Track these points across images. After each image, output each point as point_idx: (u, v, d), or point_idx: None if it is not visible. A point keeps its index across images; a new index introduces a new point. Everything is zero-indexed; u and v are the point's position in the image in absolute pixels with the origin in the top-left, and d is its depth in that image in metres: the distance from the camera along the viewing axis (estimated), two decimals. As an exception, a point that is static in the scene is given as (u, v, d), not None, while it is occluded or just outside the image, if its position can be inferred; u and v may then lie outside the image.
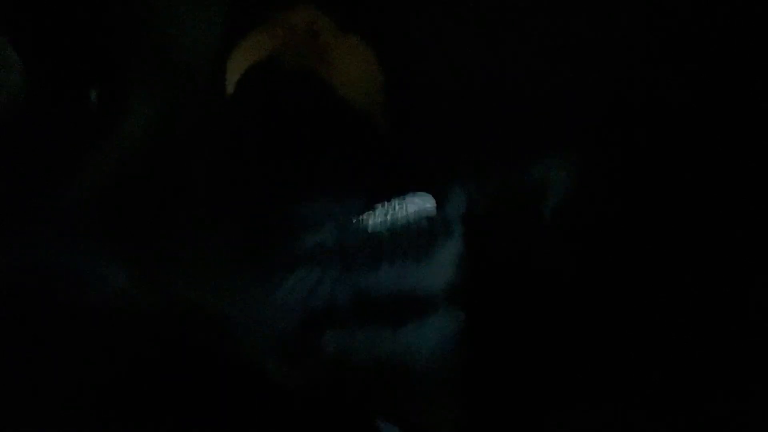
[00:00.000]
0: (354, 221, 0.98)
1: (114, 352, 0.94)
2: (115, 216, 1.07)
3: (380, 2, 1.08)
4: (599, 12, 1.08)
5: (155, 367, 0.93)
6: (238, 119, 1.02)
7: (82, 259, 1.01)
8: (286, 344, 0.98)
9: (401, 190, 0.98)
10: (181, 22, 1.15)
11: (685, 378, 0.95)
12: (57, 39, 1.13)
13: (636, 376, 0.95)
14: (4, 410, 0.90)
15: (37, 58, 1.12)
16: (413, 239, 0.97)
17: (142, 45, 1.16)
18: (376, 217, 0.97)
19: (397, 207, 0.97)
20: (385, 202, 0.97)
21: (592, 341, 0.96)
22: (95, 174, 1.09)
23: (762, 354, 0.94)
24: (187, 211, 1.05)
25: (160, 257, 1.02)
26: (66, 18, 1.14)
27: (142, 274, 1.00)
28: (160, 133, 1.12)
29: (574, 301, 0.96)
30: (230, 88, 1.03)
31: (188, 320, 0.97)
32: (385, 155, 1.02)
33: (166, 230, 1.04)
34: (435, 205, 0.97)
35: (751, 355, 0.94)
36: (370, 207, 0.98)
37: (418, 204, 0.98)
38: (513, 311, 0.96)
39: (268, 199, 1.01)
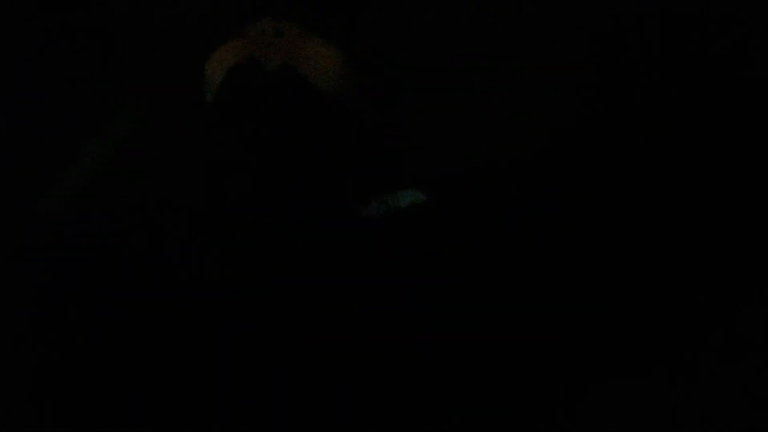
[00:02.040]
0: (347, 213, 1.01)
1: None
2: (106, 212, 1.09)
3: (339, 9, 1.12)
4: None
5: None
6: (224, 120, 1.05)
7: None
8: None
9: (392, 186, 1.02)
10: (174, 18, 1.18)
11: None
12: (50, 36, 1.15)
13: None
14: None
15: (32, 54, 1.14)
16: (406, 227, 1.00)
17: (135, 40, 1.18)
18: (370, 209, 1.00)
19: (389, 201, 1.01)
20: (378, 197, 1.01)
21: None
22: (88, 169, 1.10)
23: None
24: (180, 207, 1.08)
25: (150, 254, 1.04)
26: (59, 15, 1.16)
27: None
28: (154, 128, 1.14)
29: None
30: (211, 95, 1.06)
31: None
32: (372, 149, 1.05)
33: (160, 227, 1.06)
34: (425, 199, 1.01)
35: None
36: (363, 200, 1.01)
37: (409, 199, 1.01)
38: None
39: (261, 195, 1.03)
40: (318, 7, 1.09)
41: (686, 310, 1.00)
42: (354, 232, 1.00)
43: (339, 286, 0.98)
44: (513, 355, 0.97)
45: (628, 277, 1.00)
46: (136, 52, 1.18)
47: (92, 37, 1.18)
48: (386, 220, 1.00)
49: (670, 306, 1.00)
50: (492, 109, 1.09)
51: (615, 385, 0.97)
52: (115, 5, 1.19)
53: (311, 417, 0.95)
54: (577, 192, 1.04)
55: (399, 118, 1.09)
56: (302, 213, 1.01)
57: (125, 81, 1.17)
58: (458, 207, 1.02)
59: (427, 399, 0.96)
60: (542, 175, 1.04)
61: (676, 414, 0.96)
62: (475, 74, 1.10)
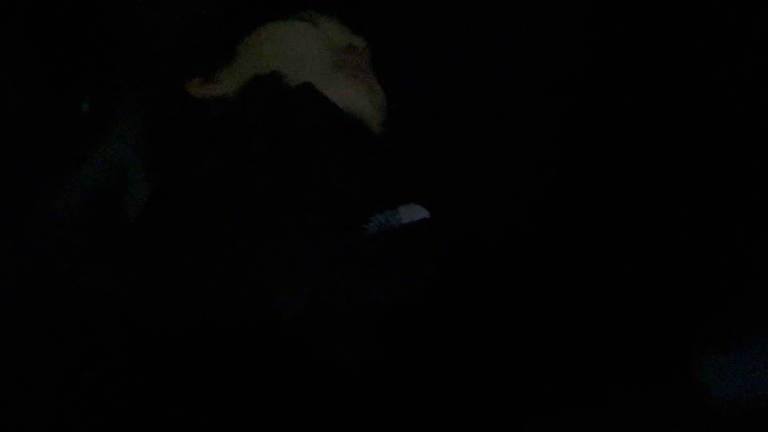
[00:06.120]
0: (350, 231, 1.00)
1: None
2: (105, 222, 1.07)
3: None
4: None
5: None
6: (238, 128, 1.03)
7: (73, 265, 1.02)
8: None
9: (395, 202, 1.00)
10: (171, 29, 1.15)
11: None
12: (48, 46, 1.13)
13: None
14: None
15: (29, 65, 1.12)
16: (407, 248, 0.99)
17: (132, 52, 1.16)
18: (372, 227, 0.99)
19: (391, 218, 0.99)
20: (380, 213, 0.99)
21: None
22: (86, 180, 1.09)
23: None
24: (181, 216, 1.06)
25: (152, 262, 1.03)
26: (57, 25, 1.13)
27: (131, 279, 1.01)
28: (151, 140, 1.12)
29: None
30: (233, 86, 1.03)
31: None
32: (379, 166, 1.03)
33: (158, 236, 1.05)
34: (428, 216, 1.00)
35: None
36: (365, 217, 1.00)
37: (412, 215, 1.00)
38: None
39: (264, 208, 1.02)
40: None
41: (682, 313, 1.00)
42: (357, 250, 0.99)
43: (342, 302, 0.97)
44: (515, 379, 0.97)
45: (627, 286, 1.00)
46: (144, 50, 1.16)
47: (102, 36, 1.16)
48: (389, 238, 0.99)
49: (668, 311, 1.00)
50: (501, 123, 1.07)
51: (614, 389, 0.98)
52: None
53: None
54: (589, 203, 1.03)
55: (404, 129, 1.07)
56: (309, 229, 1.00)
57: (134, 82, 1.14)
58: (463, 224, 1.01)
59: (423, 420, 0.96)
60: (553, 190, 1.03)
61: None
62: (485, 86, 1.08)
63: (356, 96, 1.02)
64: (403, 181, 1.01)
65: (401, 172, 1.02)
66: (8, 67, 1.12)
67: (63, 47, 1.13)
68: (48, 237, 1.05)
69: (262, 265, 0.99)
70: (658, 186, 1.04)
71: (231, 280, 0.98)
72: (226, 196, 1.02)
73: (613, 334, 0.98)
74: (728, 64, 1.08)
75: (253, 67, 1.04)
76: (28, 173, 1.10)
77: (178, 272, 1.00)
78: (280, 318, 0.98)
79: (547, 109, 1.06)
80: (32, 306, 0.99)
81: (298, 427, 0.96)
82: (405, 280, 0.97)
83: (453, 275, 0.98)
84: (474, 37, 1.08)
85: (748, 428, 0.94)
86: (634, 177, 1.04)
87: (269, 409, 0.96)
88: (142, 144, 1.11)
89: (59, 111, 1.12)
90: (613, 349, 0.98)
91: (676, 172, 1.04)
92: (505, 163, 1.04)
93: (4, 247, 1.03)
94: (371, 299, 0.97)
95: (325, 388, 0.96)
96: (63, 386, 0.96)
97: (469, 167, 1.05)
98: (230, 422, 0.96)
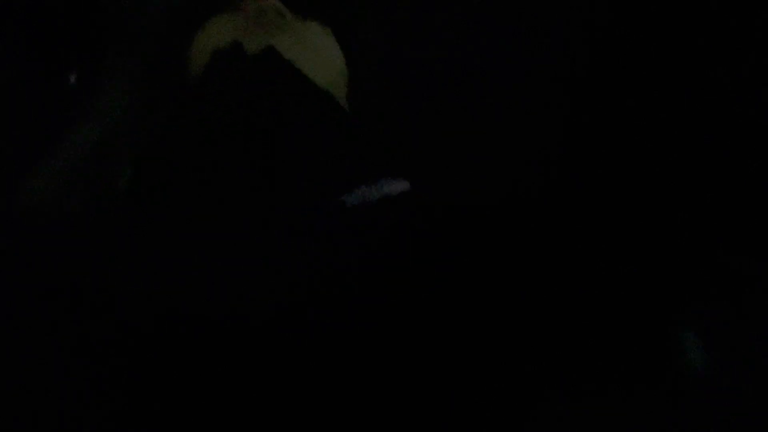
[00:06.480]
0: (331, 204, 1.00)
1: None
2: (92, 198, 1.08)
3: None
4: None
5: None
6: (206, 105, 1.04)
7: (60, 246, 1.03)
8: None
9: (375, 174, 1.00)
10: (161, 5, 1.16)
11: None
12: (34, 18, 1.13)
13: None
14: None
15: (14, 38, 1.13)
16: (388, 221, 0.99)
17: (119, 25, 1.17)
18: (351, 199, 1.00)
19: (373, 190, 1.00)
20: (361, 186, 1.00)
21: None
22: (73, 154, 1.09)
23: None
24: (165, 193, 1.06)
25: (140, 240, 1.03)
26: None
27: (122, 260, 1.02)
28: (139, 113, 1.12)
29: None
30: (196, 70, 1.05)
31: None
32: (355, 137, 1.03)
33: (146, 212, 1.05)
34: (408, 188, 1.00)
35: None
36: (346, 190, 1.00)
37: (392, 189, 1.00)
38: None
39: (246, 184, 1.02)
40: None
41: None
42: (338, 224, 0.99)
43: (323, 281, 0.98)
44: (505, 357, 0.97)
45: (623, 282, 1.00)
46: (122, 26, 1.17)
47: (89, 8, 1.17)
48: (371, 212, 0.99)
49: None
50: (483, 99, 1.07)
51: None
52: None
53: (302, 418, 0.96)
54: (571, 181, 1.02)
55: (385, 103, 1.07)
56: (286, 204, 1.00)
57: (111, 56, 1.15)
58: (445, 196, 1.01)
59: (413, 399, 0.96)
60: (537, 165, 1.03)
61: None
62: (472, 64, 1.09)
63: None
64: (383, 155, 1.02)
65: (382, 145, 1.03)
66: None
67: (50, 22, 1.15)
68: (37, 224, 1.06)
69: (244, 247, 1.00)
70: (641, 174, 1.03)
71: (217, 266, 0.99)
72: (208, 178, 1.03)
73: (593, 309, 0.97)
74: (728, 64, 1.07)
75: (213, 42, 1.05)
76: (12, 149, 1.10)
77: (161, 257, 1.01)
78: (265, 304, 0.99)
79: (533, 90, 1.06)
80: (26, 303, 1.00)
81: (295, 426, 0.96)
82: (385, 254, 0.97)
83: (434, 250, 0.98)
84: (467, 25, 1.10)
85: (730, 401, 0.92)
86: (622, 163, 1.04)
87: (266, 407, 0.97)
88: (128, 120, 1.12)
89: (46, 84, 1.13)
90: (591, 323, 0.97)
91: (670, 169, 1.04)
92: (489, 139, 1.04)
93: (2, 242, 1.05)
94: (351, 273, 0.97)
95: (318, 383, 0.97)
96: (60, 384, 0.97)
97: (453, 143, 1.05)
98: (228, 421, 0.96)
